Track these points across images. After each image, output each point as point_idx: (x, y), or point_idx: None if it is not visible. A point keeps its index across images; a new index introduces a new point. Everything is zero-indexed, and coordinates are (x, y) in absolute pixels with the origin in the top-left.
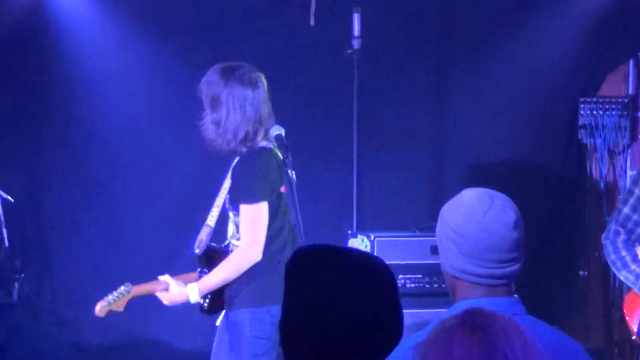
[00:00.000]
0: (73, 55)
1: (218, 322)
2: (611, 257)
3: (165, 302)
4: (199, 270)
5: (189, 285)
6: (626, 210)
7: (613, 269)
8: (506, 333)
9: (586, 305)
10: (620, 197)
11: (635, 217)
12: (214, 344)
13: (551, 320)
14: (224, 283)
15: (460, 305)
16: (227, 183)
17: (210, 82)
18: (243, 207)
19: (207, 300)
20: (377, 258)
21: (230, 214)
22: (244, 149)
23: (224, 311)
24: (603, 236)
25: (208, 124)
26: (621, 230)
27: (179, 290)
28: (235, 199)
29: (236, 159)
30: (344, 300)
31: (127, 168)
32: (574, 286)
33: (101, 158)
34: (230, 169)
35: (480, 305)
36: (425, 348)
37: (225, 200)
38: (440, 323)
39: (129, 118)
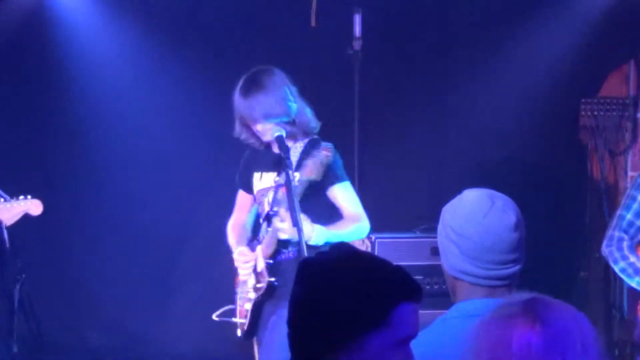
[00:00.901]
0: (75, 56)
1: (239, 333)
2: (620, 265)
3: (281, 230)
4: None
5: (316, 225)
6: (629, 216)
7: (623, 276)
8: (567, 324)
9: (587, 306)
10: (622, 202)
11: (638, 222)
12: (264, 342)
13: None
14: (347, 238)
15: (461, 306)
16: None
17: None
18: (346, 185)
19: (247, 321)
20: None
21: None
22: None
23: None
24: (604, 244)
25: None
26: (624, 236)
27: (308, 224)
28: (335, 179)
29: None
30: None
31: (129, 168)
32: (575, 287)
33: (103, 158)
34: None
35: (481, 307)
36: (481, 332)
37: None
38: (499, 308)
39: (131, 118)
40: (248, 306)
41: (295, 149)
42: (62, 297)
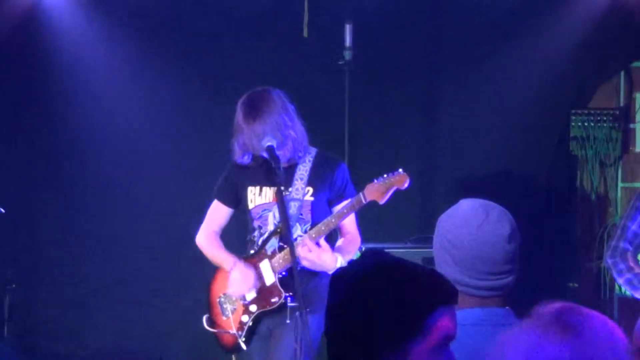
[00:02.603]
0: (66, 61)
1: (244, 347)
2: (625, 276)
3: (308, 260)
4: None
5: (337, 255)
6: (634, 227)
7: (628, 287)
8: (599, 335)
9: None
10: (625, 213)
11: None
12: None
13: None
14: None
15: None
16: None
17: None
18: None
19: (244, 334)
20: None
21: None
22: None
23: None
24: (608, 255)
25: None
26: (629, 247)
27: (330, 255)
28: (351, 194)
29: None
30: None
31: (120, 175)
32: (565, 298)
33: (94, 166)
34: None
35: (472, 316)
36: (511, 341)
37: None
38: (531, 317)
39: (122, 126)
40: (245, 318)
41: (304, 164)
42: (54, 307)
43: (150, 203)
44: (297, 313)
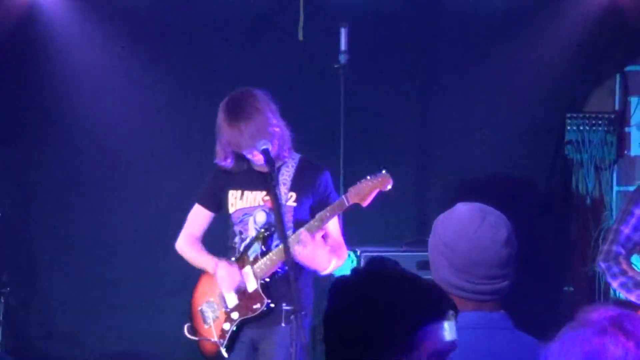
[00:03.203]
0: (61, 63)
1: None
2: (619, 280)
3: (303, 255)
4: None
5: (333, 256)
6: (627, 230)
7: (622, 290)
8: None
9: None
10: (618, 217)
11: (636, 237)
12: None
13: (536, 335)
14: (344, 266)
15: None
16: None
17: None
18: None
19: (226, 342)
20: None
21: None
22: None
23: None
24: (601, 258)
25: None
26: (622, 251)
27: (325, 252)
28: (334, 201)
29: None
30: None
31: (116, 179)
32: (559, 301)
33: (89, 170)
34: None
35: (468, 320)
36: (571, 343)
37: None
38: (583, 323)
39: (118, 128)
40: (227, 326)
41: (287, 168)
42: (49, 311)
43: (147, 209)
44: (292, 317)
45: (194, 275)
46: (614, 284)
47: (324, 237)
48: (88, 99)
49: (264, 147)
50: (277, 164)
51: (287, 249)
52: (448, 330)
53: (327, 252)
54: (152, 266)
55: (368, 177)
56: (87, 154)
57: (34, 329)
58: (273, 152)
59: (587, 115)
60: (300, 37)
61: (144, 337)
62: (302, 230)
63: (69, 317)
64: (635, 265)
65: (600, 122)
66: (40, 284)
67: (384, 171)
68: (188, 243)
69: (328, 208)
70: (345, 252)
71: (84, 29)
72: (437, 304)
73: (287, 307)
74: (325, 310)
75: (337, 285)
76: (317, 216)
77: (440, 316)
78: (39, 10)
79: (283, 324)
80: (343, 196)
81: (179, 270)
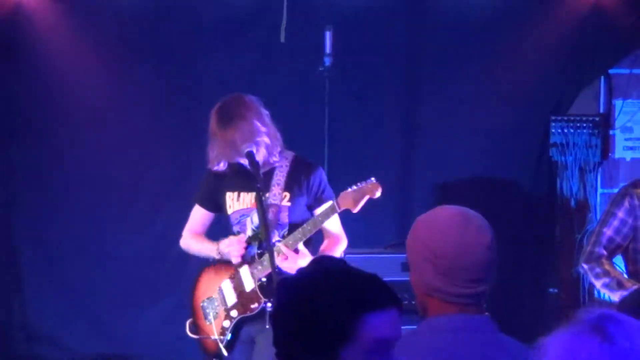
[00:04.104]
0: (46, 64)
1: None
2: (602, 280)
3: (284, 268)
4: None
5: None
6: (609, 232)
7: (606, 290)
8: (635, 343)
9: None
10: (600, 219)
11: (618, 239)
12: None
13: (521, 337)
14: None
15: (432, 322)
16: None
17: None
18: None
19: (226, 340)
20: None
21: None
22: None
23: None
24: (583, 259)
25: None
26: (604, 252)
27: (308, 260)
28: (329, 197)
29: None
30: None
31: (98, 180)
32: (545, 304)
33: (71, 170)
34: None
35: (451, 323)
36: (550, 346)
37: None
38: (569, 324)
39: (101, 129)
40: (227, 324)
41: (281, 169)
42: (32, 312)
43: (131, 210)
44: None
45: (179, 278)
46: (597, 285)
47: (324, 232)
48: (73, 101)
49: (247, 149)
50: (267, 168)
51: (271, 254)
52: (389, 322)
53: (309, 259)
54: (137, 268)
55: (358, 184)
56: (70, 156)
57: (16, 331)
58: (260, 157)
59: (572, 117)
60: (282, 39)
61: (128, 338)
62: (279, 244)
63: (52, 318)
64: (618, 266)
65: (584, 124)
66: (22, 285)
67: (373, 179)
68: (190, 237)
69: (320, 213)
70: (340, 247)
71: (70, 31)
72: (376, 296)
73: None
74: (272, 309)
75: (281, 284)
76: (310, 222)
77: (378, 308)
78: (24, 11)
79: (267, 326)
80: (333, 202)
81: (164, 272)
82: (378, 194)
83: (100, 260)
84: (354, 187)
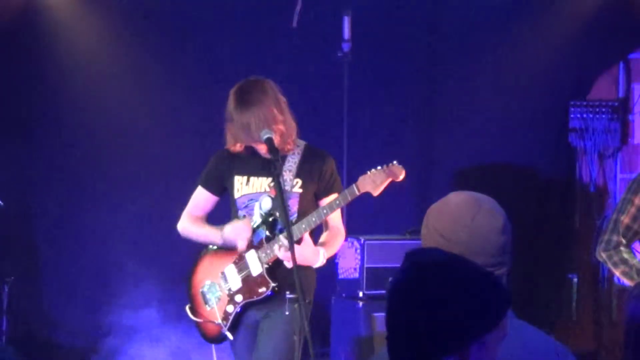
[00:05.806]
0: (61, 57)
1: (208, 333)
2: (620, 268)
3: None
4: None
5: (320, 249)
6: (627, 220)
7: (625, 278)
8: None
9: (575, 309)
10: (618, 206)
11: (635, 227)
12: (258, 346)
13: (540, 323)
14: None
15: None
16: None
17: None
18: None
19: (229, 324)
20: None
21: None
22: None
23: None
24: (601, 248)
25: None
26: (623, 240)
27: (312, 250)
28: (337, 189)
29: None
30: None
31: (116, 170)
32: (563, 289)
33: (90, 159)
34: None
35: None
36: None
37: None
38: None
39: (117, 120)
40: (230, 308)
41: (293, 156)
42: (52, 299)
43: (147, 199)
44: (296, 304)
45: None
46: (617, 272)
47: (325, 223)
48: (86, 92)
49: (266, 136)
50: (281, 155)
51: (290, 238)
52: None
53: (312, 250)
54: (155, 255)
55: (379, 167)
56: (87, 147)
57: (36, 319)
58: (276, 142)
59: (591, 103)
60: (294, 24)
61: (142, 329)
62: (280, 236)
63: (72, 306)
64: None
65: (603, 109)
66: (43, 273)
67: (395, 162)
68: (190, 220)
69: (339, 196)
70: (340, 240)
71: (83, 24)
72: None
73: (291, 295)
74: (406, 297)
75: (417, 271)
76: (315, 213)
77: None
78: (36, 5)
79: (287, 312)
80: (353, 185)
81: (181, 260)
82: (402, 176)
83: (120, 248)
84: (376, 170)
